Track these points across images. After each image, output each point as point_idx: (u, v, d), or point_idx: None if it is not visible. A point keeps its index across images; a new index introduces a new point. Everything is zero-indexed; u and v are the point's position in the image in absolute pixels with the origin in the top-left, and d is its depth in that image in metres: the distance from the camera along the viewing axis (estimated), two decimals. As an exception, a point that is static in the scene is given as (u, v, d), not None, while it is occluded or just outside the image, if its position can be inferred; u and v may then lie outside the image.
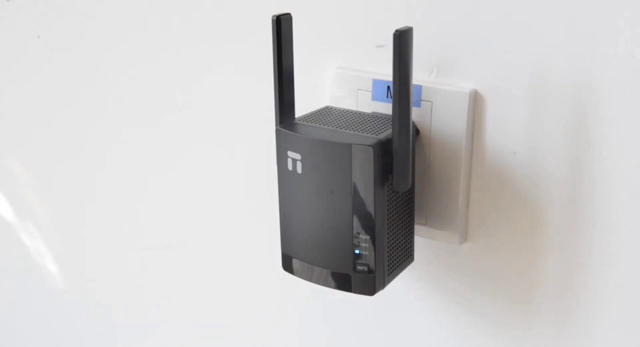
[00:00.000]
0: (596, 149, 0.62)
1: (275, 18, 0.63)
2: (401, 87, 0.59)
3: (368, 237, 0.63)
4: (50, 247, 1.17)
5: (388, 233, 0.64)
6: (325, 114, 0.68)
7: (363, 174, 0.61)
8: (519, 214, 0.68)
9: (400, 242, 0.67)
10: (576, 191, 0.64)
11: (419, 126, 0.68)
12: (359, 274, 0.64)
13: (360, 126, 0.65)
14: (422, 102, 0.68)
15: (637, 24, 0.58)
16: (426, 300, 0.77)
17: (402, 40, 0.58)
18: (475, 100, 0.66)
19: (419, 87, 0.67)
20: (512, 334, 0.72)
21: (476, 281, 0.72)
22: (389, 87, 0.70)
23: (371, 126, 0.65)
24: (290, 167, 0.65)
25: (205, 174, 0.91)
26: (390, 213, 0.64)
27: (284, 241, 0.68)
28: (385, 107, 0.70)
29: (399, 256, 0.67)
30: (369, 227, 0.63)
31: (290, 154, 0.64)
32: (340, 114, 0.68)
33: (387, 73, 0.70)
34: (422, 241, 0.72)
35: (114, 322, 1.14)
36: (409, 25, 0.59)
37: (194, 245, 0.97)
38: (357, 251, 0.64)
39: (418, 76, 0.67)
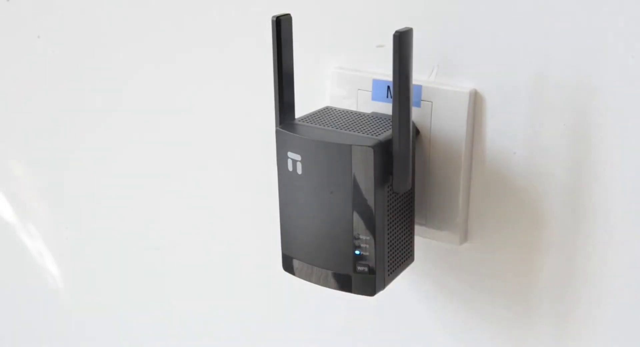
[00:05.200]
0: (596, 149, 0.62)
1: (275, 19, 0.63)
2: (401, 88, 0.59)
3: (368, 237, 0.63)
4: (50, 247, 1.17)
5: (388, 233, 0.64)
6: (325, 115, 0.68)
7: (363, 175, 0.61)
8: (519, 214, 0.68)
9: (400, 243, 0.67)
10: (576, 191, 0.64)
11: (419, 126, 0.68)
12: (359, 275, 0.64)
13: (360, 127, 0.65)
14: (422, 102, 0.68)
15: (637, 24, 0.58)
16: (426, 300, 0.77)
17: (402, 41, 0.58)
18: (475, 100, 0.66)
19: (419, 87, 0.67)
20: (512, 333, 0.72)
21: (476, 281, 0.72)
22: (389, 87, 0.70)
23: (371, 127, 0.65)
24: (290, 167, 0.65)
25: (205, 175, 0.91)
26: (391, 213, 0.64)
27: (284, 242, 0.68)
28: (385, 107, 0.70)
29: (399, 256, 0.67)
30: (370, 227, 0.63)
31: (290, 154, 0.64)
32: (340, 114, 0.68)
33: (387, 73, 0.70)
34: (422, 241, 0.72)
35: (114, 322, 1.14)
36: (409, 25, 0.59)
37: (195, 245, 0.97)
38: (357, 252, 0.64)
39: (418, 76, 0.67)
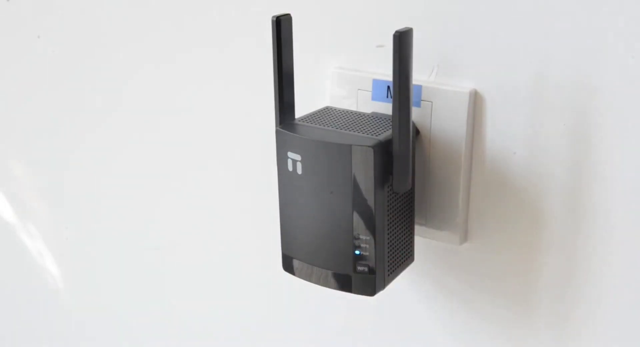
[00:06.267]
0: (596, 149, 0.62)
1: (275, 19, 0.63)
2: (401, 88, 0.59)
3: (368, 237, 0.63)
4: (50, 247, 1.17)
5: (388, 233, 0.64)
6: (325, 115, 0.68)
7: (363, 175, 0.61)
8: (519, 214, 0.68)
9: (400, 243, 0.67)
10: (576, 191, 0.64)
11: (419, 126, 0.68)
12: (359, 275, 0.64)
13: (360, 127, 0.65)
14: (422, 102, 0.68)
15: (637, 24, 0.58)
16: (426, 300, 0.77)
17: (402, 41, 0.58)
18: (475, 100, 0.66)
19: (419, 87, 0.67)
20: (512, 333, 0.72)
21: (476, 281, 0.72)
22: (389, 87, 0.70)
23: (371, 127, 0.65)
24: (290, 168, 0.65)
25: (205, 175, 0.91)
26: (391, 213, 0.64)
27: (284, 242, 0.68)
28: (385, 107, 0.70)
29: (399, 256, 0.67)
30: (370, 227, 0.63)
31: (290, 154, 0.64)
32: (340, 114, 0.68)
33: (387, 73, 0.70)
34: (422, 241, 0.72)
35: (114, 322, 1.14)
36: (409, 25, 0.59)
37: (195, 245, 0.97)
38: (357, 252, 0.64)
39: (418, 76, 0.67)
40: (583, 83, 0.61)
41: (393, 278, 0.67)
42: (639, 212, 0.62)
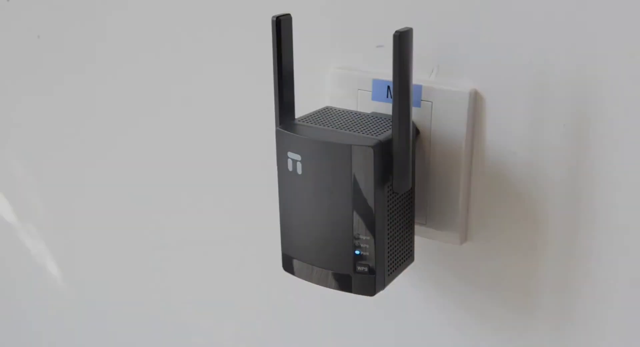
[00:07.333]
0: (596, 149, 0.62)
1: (275, 19, 0.63)
2: (401, 88, 0.59)
3: (368, 237, 0.63)
4: (50, 247, 1.17)
5: (388, 233, 0.64)
6: (325, 115, 0.68)
7: (363, 175, 0.61)
8: (519, 214, 0.68)
9: (400, 243, 0.67)
10: (576, 190, 0.64)
11: (419, 126, 0.68)
12: (359, 275, 0.64)
13: (360, 127, 0.65)
14: (422, 102, 0.68)
15: (637, 24, 0.58)
16: (426, 300, 0.77)
17: (402, 41, 0.58)
18: (475, 100, 0.66)
19: (419, 87, 0.67)
20: (511, 333, 0.72)
21: (476, 281, 0.72)
22: (389, 87, 0.70)
23: (371, 127, 0.65)
24: (290, 167, 0.65)
25: (205, 175, 0.91)
26: (391, 213, 0.64)
27: (284, 242, 0.68)
28: (385, 107, 0.70)
29: (399, 256, 0.67)
30: (370, 227, 0.63)
31: (290, 154, 0.64)
32: (340, 114, 0.68)
33: (387, 73, 0.70)
34: (422, 241, 0.72)
35: (114, 322, 1.14)
36: (409, 25, 0.59)
37: (195, 245, 0.97)
38: (357, 252, 0.64)
39: (418, 76, 0.67)
40: (583, 83, 0.61)
41: (393, 278, 0.67)
42: (639, 212, 0.62)
